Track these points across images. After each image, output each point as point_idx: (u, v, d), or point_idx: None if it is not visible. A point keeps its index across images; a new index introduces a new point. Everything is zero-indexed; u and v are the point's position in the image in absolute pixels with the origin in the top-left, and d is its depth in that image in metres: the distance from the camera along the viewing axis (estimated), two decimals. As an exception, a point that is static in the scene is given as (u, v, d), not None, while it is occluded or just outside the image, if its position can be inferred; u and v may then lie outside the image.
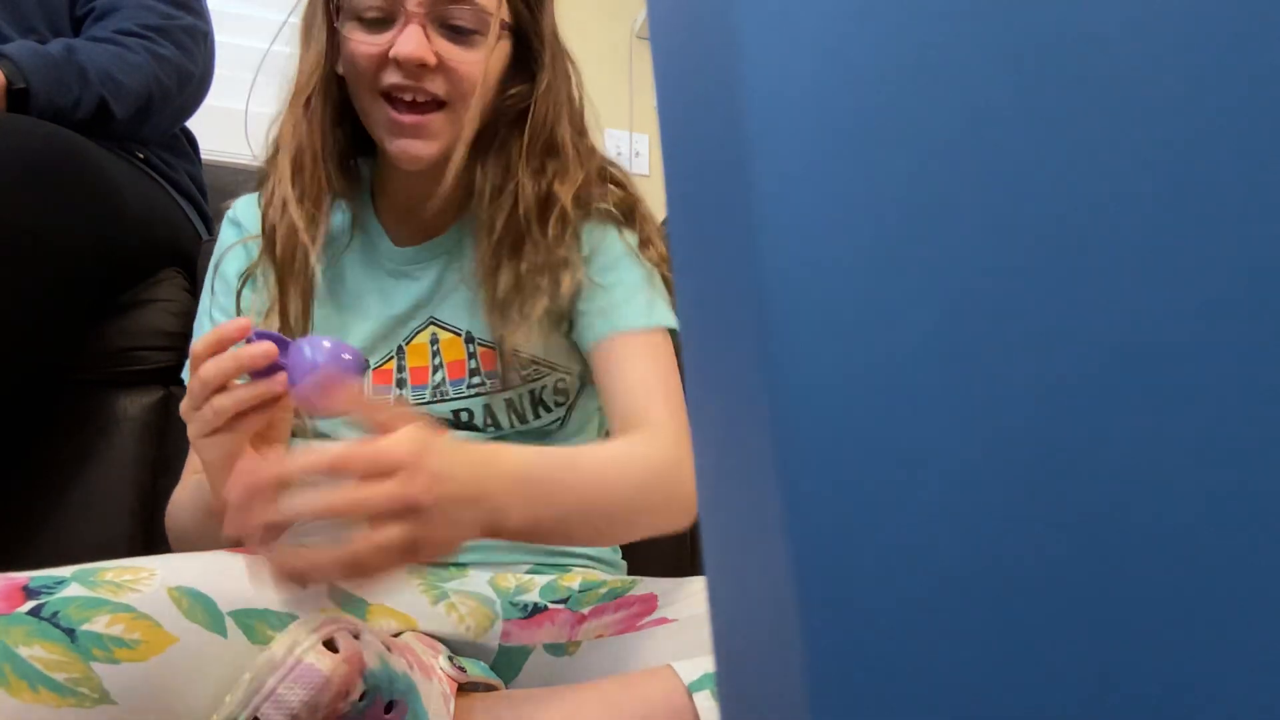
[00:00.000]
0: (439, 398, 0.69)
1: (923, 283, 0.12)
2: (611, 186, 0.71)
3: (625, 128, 2.04)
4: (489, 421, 0.70)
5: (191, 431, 0.52)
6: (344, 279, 0.71)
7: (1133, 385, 0.11)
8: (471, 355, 0.69)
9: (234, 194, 1.32)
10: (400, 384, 0.69)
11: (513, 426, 0.70)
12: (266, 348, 0.48)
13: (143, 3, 0.98)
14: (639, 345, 0.65)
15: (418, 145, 0.64)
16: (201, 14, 1.08)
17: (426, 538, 0.41)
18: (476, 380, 0.69)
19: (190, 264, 0.99)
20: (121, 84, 0.90)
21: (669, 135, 0.16)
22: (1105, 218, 0.11)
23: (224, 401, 0.50)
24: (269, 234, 0.65)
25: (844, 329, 0.12)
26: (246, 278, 0.67)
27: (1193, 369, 0.11)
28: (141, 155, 1.00)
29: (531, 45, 0.68)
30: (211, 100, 1.13)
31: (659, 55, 0.16)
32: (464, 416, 0.70)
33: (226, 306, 0.69)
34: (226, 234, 0.72)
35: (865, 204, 0.12)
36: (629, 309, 0.66)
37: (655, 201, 0.85)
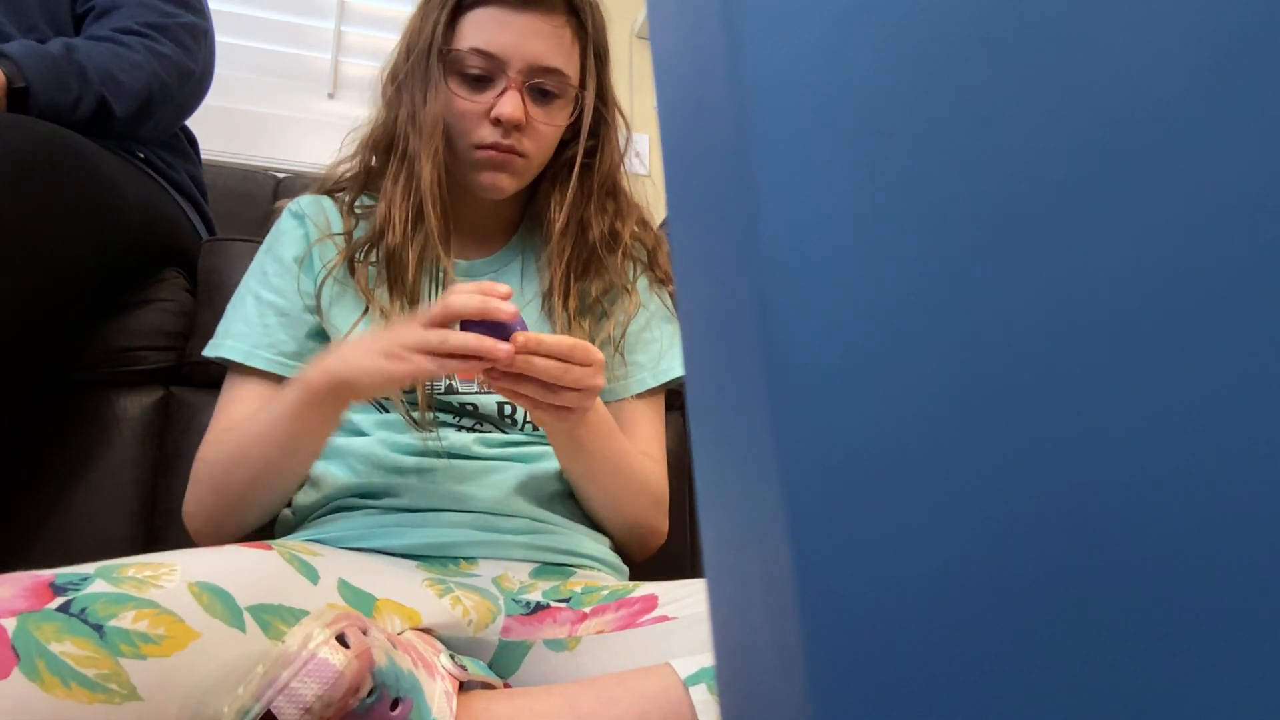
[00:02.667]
0: (486, 390, 0.76)
1: (924, 281, 0.12)
2: (637, 228, 0.84)
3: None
4: (528, 419, 0.77)
5: (400, 342, 0.58)
6: None
7: (1135, 384, 0.11)
8: None
9: (234, 194, 1.31)
10: (449, 376, 0.77)
11: (539, 430, 0.78)
12: (512, 308, 0.58)
13: (143, 1, 0.98)
14: (648, 404, 0.81)
15: (503, 179, 0.75)
16: (202, 12, 1.08)
17: (580, 403, 0.61)
18: None
19: (190, 264, 0.98)
20: (121, 83, 0.90)
21: (669, 135, 0.16)
22: (1108, 216, 0.11)
23: (459, 339, 0.57)
24: (394, 251, 0.74)
25: (845, 328, 0.12)
26: (328, 276, 0.75)
27: (1196, 368, 0.11)
28: (141, 155, 1.00)
29: (596, 106, 0.80)
30: (212, 100, 1.13)
31: (659, 55, 0.16)
32: (507, 409, 0.77)
33: (280, 287, 0.75)
34: (288, 224, 0.79)
35: (866, 203, 0.12)
36: (646, 374, 0.81)
37: (656, 202, 0.87)
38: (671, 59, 0.16)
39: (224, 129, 1.64)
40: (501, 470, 0.74)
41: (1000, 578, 0.11)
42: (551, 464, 0.76)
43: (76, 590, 0.44)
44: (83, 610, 0.42)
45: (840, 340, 0.12)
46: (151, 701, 0.42)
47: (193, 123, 1.13)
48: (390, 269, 0.74)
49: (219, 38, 1.16)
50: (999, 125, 0.12)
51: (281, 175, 1.48)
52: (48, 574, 0.45)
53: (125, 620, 0.43)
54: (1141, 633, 0.10)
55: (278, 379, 0.73)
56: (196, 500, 0.70)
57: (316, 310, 0.75)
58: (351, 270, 0.76)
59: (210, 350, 0.74)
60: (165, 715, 0.42)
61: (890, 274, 0.12)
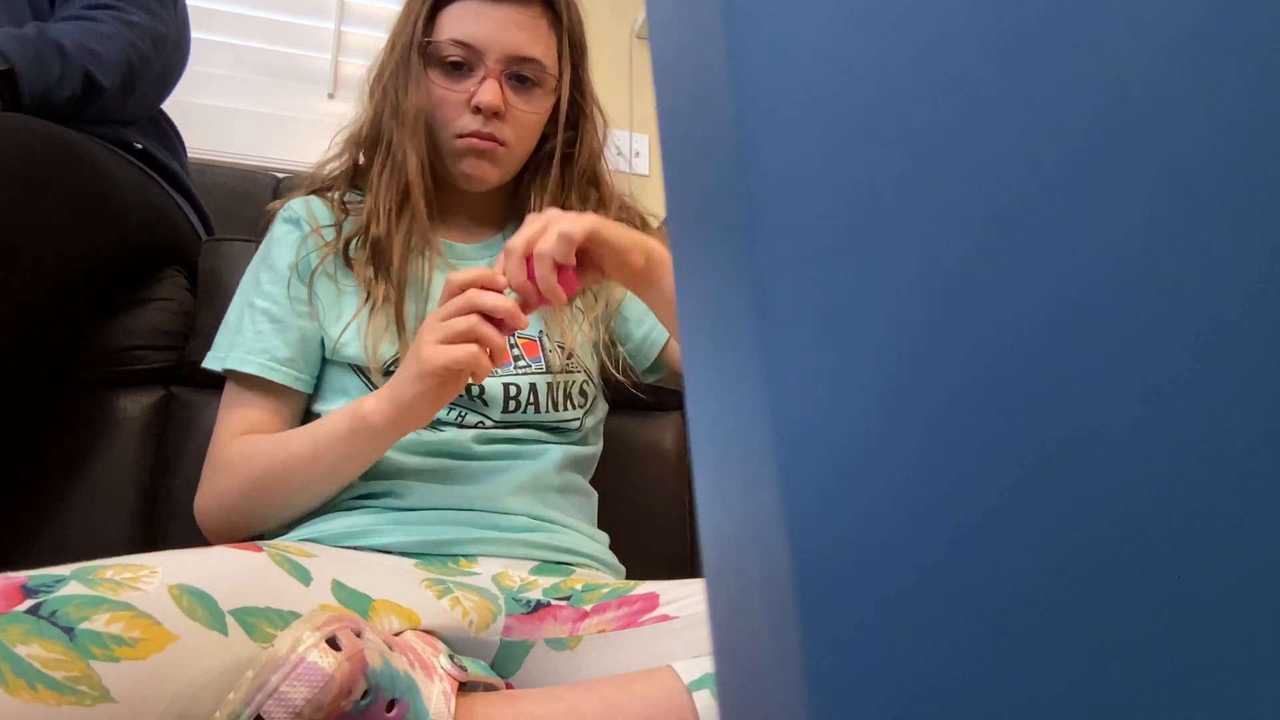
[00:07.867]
0: (491, 373, 0.77)
1: (923, 281, 0.12)
2: (620, 214, 0.86)
3: (625, 128, 2.04)
4: (532, 400, 0.78)
5: (431, 339, 0.62)
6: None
7: (1134, 385, 0.11)
8: (514, 345, 0.80)
9: (234, 194, 1.31)
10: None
11: (549, 411, 0.78)
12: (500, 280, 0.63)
13: None
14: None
15: (485, 167, 0.78)
16: None
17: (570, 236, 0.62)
18: (523, 364, 0.79)
19: (190, 263, 0.98)
20: (99, 54, 0.90)
21: (668, 135, 0.16)
22: (1107, 216, 0.11)
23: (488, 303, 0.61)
24: (379, 240, 0.76)
25: (843, 328, 0.12)
26: (318, 267, 0.77)
27: (1196, 369, 0.11)
28: (140, 146, 1.00)
29: (575, 98, 0.83)
30: (212, 100, 1.13)
31: (659, 55, 0.16)
32: (512, 390, 0.77)
33: (273, 294, 0.76)
34: (281, 229, 0.80)
35: (865, 203, 0.12)
36: (654, 325, 0.85)
37: (655, 202, 0.87)
38: (671, 59, 0.16)
39: (224, 129, 1.64)
40: (501, 468, 0.74)
41: (1000, 578, 0.11)
42: (551, 462, 0.76)
43: (49, 592, 0.43)
44: (53, 613, 0.42)
45: (838, 340, 0.12)
46: (127, 704, 0.41)
47: (193, 122, 1.13)
48: (376, 256, 0.76)
49: (219, 38, 1.16)
50: (999, 125, 0.12)
51: (281, 175, 1.47)
52: (20, 576, 0.45)
53: (98, 623, 0.42)
54: (1141, 634, 0.10)
55: (274, 385, 0.74)
56: (216, 502, 0.71)
57: (310, 313, 0.75)
58: (348, 263, 0.77)
59: (207, 361, 0.77)
60: (147, 718, 0.42)
61: (889, 274, 0.12)
